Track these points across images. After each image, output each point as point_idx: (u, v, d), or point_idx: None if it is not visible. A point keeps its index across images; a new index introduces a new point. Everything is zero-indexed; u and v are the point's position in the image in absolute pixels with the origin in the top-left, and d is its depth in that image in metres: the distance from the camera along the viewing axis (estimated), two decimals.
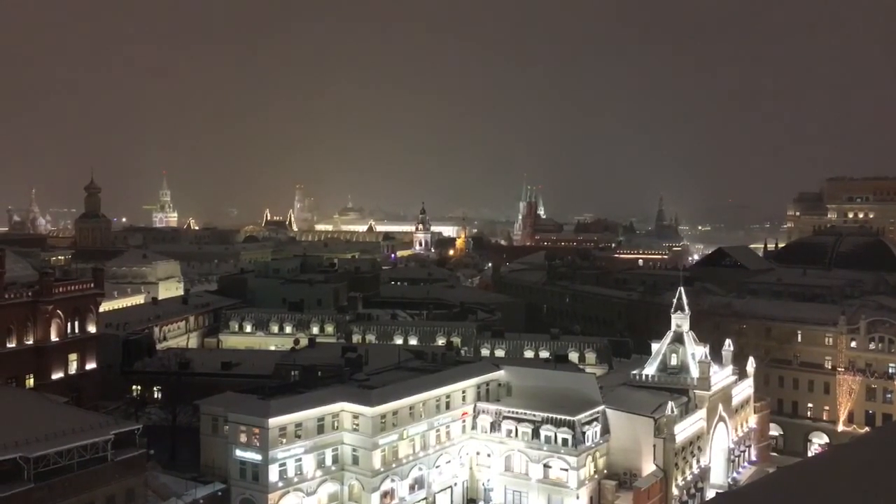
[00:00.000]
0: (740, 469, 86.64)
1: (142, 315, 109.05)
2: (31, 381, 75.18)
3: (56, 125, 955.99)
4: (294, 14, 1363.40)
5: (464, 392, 74.24)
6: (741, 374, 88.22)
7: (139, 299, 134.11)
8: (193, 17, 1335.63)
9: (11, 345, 73.84)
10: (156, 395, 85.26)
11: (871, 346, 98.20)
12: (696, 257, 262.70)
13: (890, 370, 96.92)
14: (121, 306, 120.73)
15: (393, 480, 67.58)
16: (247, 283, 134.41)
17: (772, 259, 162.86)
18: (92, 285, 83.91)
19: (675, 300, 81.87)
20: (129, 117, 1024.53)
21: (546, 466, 70.77)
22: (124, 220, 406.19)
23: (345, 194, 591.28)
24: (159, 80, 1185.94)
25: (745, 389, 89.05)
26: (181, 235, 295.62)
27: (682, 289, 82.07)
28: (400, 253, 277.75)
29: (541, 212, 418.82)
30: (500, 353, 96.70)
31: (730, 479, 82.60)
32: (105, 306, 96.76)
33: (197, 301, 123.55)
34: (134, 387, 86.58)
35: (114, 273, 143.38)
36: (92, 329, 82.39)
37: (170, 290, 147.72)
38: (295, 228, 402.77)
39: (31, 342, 75.66)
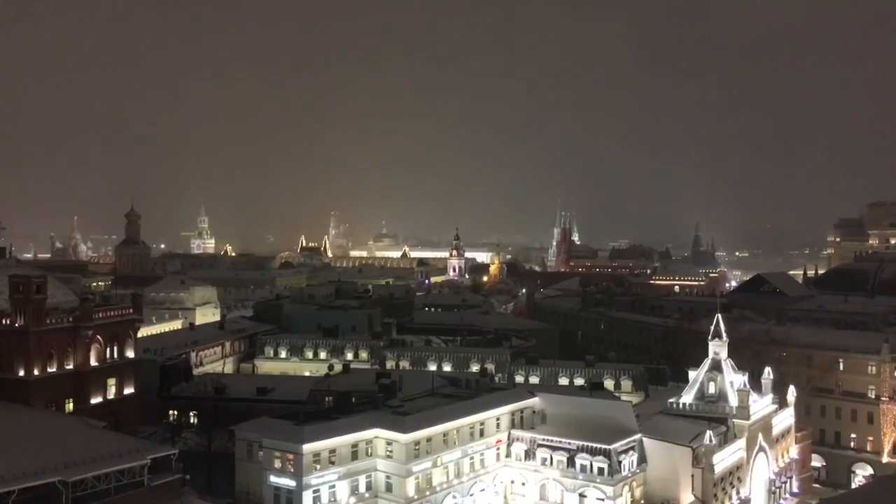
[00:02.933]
0: (782, 501, 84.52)
1: (179, 340, 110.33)
2: (70, 406, 76.31)
3: (98, 154, 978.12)
4: (327, 47, 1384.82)
5: (498, 419, 73.68)
6: (781, 403, 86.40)
7: (177, 325, 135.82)
8: (233, 49, 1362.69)
9: (52, 369, 75.11)
10: (192, 420, 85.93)
11: None
12: (733, 284, 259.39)
13: None
14: (159, 331, 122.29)
15: None
16: (282, 308, 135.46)
17: (812, 286, 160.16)
18: (131, 311, 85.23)
19: (712, 327, 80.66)
20: (168, 146, 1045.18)
21: (581, 496, 69.71)
22: (163, 246, 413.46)
23: (379, 221, 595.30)
24: (198, 109, 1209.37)
25: (785, 419, 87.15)
26: (218, 261, 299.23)
27: (719, 315, 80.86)
28: (434, 279, 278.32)
29: (575, 238, 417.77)
30: (534, 379, 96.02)
31: None
32: (143, 331, 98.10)
33: (233, 326, 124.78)
34: (171, 411, 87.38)
35: (152, 299, 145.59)
36: (130, 354, 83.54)
37: (207, 315, 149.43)
38: (330, 254, 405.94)
39: (71, 367, 76.89)
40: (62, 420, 70.89)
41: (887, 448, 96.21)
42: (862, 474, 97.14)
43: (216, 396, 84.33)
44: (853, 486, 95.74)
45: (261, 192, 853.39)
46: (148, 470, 56.74)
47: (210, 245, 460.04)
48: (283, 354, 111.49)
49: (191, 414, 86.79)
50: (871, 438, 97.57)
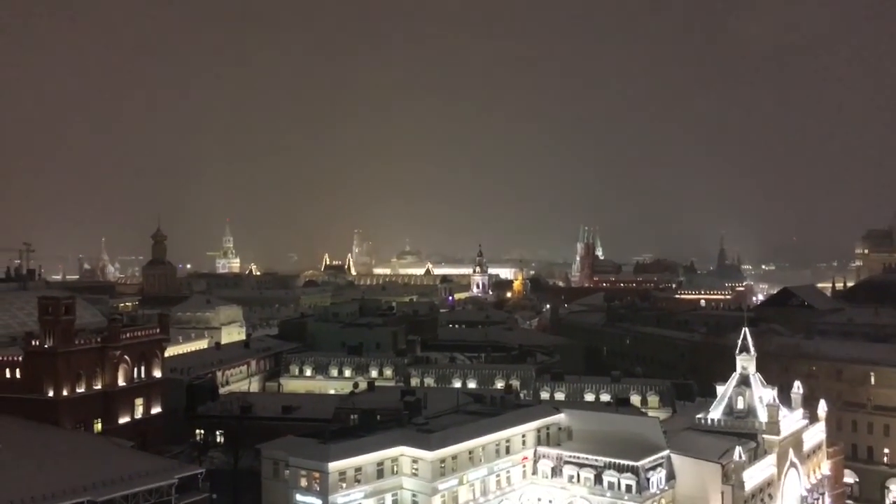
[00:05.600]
0: None
1: (205, 359, 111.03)
2: (98, 426, 76.92)
3: (125, 177, 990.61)
4: (349, 68, 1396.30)
5: (524, 436, 73.22)
6: (812, 418, 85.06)
7: (203, 344, 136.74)
8: (256, 70, 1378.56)
9: (80, 390, 75.83)
10: (218, 439, 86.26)
11: None
12: (760, 297, 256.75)
13: None
14: (185, 351, 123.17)
15: None
16: (307, 327, 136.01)
17: (841, 298, 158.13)
18: (158, 331, 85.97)
19: (739, 341, 79.77)
20: (193, 167, 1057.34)
21: None
22: (189, 266, 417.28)
23: (402, 238, 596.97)
24: (222, 131, 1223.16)
25: (816, 434, 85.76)
26: (243, 281, 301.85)
27: (746, 329, 79.96)
28: (457, 295, 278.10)
29: (599, 253, 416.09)
30: (559, 396, 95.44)
31: None
32: (170, 351, 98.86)
33: (258, 345, 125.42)
34: (197, 431, 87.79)
35: (178, 318, 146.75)
36: (157, 374, 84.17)
37: (232, 334, 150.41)
38: (353, 272, 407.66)
39: (99, 387, 77.59)
40: (91, 440, 71.47)
41: None
42: None
43: (242, 415, 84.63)
44: (887, 502, 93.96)
45: (284, 211, 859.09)
46: (175, 489, 56.97)
47: (235, 264, 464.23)
48: (308, 373, 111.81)
49: (217, 433, 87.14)
50: None
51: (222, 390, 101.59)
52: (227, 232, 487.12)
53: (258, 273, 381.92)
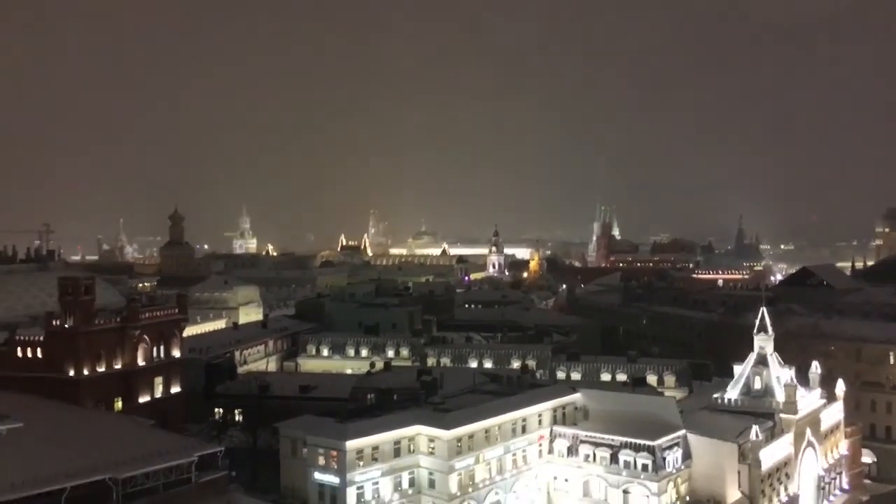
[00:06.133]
0: (832, 497, 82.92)
1: (223, 339, 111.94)
2: (119, 405, 77.98)
3: (143, 157, 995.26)
4: (368, 40, 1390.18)
5: (540, 416, 73.40)
6: (830, 398, 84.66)
7: (221, 324, 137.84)
8: (275, 51, 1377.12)
9: (101, 369, 76.79)
10: (237, 418, 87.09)
11: None
12: (778, 277, 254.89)
13: None
14: (203, 331, 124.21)
15: None
16: (323, 307, 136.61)
17: (860, 278, 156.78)
18: (176, 311, 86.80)
19: (757, 321, 79.35)
20: (211, 148, 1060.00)
21: (626, 492, 69.15)
22: (206, 247, 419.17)
23: (418, 218, 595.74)
24: (241, 112, 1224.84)
25: (834, 414, 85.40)
26: (260, 261, 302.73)
27: (764, 309, 79.53)
28: (474, 275, 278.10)
29: (615, 232, 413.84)
30: (575, 375, 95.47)
31: None
32: (188, 331, 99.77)
33: (275, 325, 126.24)
34: (216, 409, 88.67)
35: (196, 299, 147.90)
36: (176, 353, 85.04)
37: (250, 314, 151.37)
38: (370, 253, 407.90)
39: (119, 367, 78.54)
40: (111, 419, 72.41)
41: None
42: None
43: (260, 394, 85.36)
44: None
45: (301, 191, 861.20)
46: (195, 467, 57.62)
47: (252, 245, 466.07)
48: (325, 353, 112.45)
49: (235, 412, 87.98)
50: None
51: (240, 370, 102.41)
52: (243, 213, 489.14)
53: (275, 253, 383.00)
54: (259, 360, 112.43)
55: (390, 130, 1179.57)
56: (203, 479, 58.20)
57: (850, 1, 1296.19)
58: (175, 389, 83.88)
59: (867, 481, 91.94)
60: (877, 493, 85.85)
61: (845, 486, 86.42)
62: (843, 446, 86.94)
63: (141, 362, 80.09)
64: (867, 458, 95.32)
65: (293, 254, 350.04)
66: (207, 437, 73.91)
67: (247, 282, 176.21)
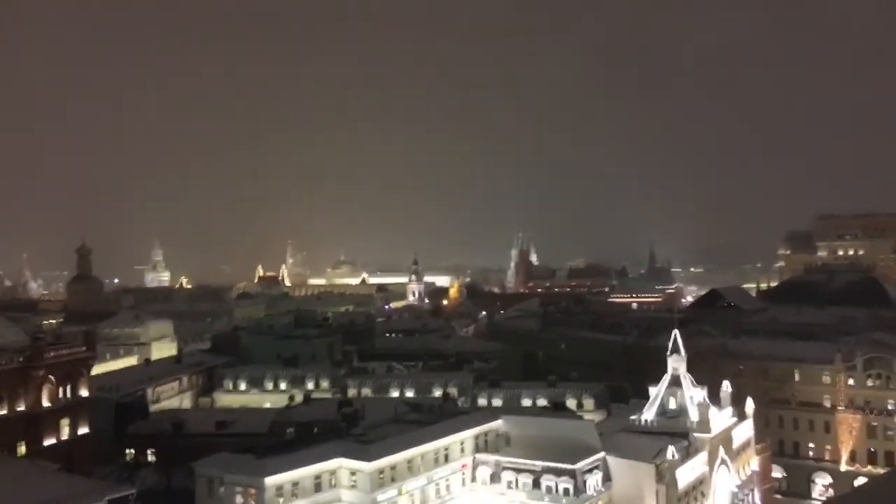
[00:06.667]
0: None
1: (134, 377, 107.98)
2: (22, 449, 74.02)
3: (46, 189, 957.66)
4: (280, 62, 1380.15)
5: (462, 443, 73.38)
6: (740, 416, 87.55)
7: (132, 360, 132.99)
8: (180, 76, 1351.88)
9: (2, 412, 72.93)
10: (150, 458, 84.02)
11: (869, 382, 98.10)
12: (689, 299, 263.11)
13: (889, 407, 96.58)
14: (113, 368, 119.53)
15: None
16: (240, 340, 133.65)
17: (765, 298, 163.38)
18: (84, 349, 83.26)
19: (670, 343, 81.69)
20: (120, 179, 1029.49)
21: None
22: (116, 281, 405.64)
23: (337, 248, 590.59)
24: (148, 141, 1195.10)
25: (745, 431, 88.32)
26: (174, 294, 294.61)
27: (676, 331, 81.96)
28: (394, 304, 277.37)
29: (533, 258, 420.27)
30: (497, 402, 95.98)
31: None
32: (97, 369, 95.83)
33: (190, 360, 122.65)
34: (127, 450, 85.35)
35: (106, 335, 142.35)
36: (84, 393, 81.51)
37: (163, 350, 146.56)
38: (288, 283, 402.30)
39: (22, 409, 74.71)
40: (14, 464, 68.54)
41: (845, 456, 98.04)
42: (822, 483, 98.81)
43: (174, 433, 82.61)
44: (813, 495, 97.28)
45: (215, 222, 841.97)
46: None
47: (165, 278, 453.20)
48: (242, 387, 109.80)
49: (148, 452, 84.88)
50: (828, 447, 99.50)
51: (153, 408, 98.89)
52: (156, 245, 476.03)
53: (189, 286, 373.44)
54: (173, 397, 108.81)
55: (305, 160, 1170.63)
56: None
57: (755, 27, 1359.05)
58: (83, 430, 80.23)
59: (777, 496, 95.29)
60: None
61: (757, 502, 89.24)
62: (754, 463, 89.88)
63: (46, 403, 76.37)
64: (777, 473, 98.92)
65: (208, 286, 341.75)
66: (118, 479, 70.99)
67: (159, 316, 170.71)
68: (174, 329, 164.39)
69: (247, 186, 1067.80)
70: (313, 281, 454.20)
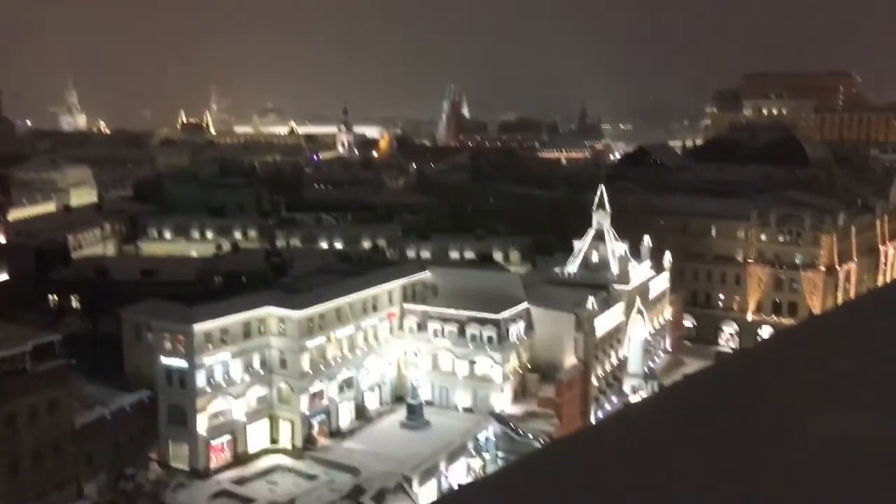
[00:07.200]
0: (655, 358, 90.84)
1: (54, 223, 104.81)
2: None
3: None
4: None
5: (390, 294, 74.83)
6: (658, 269, 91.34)
7: (50, 207, 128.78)
8: None
9: None
10: (74, 305, 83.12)
11: (781, 238, 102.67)
12: (617, 155, 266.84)
13: (797, 261, 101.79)
14: (31, 214, 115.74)
15: (322, 382, 68.41)
16: (164, 188, 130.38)
17: (690, 156, 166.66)
18: None
19: (596, 198, 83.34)
20: (31, 15, 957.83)
21: (472, 363, 72.67)
22: (29, 123, 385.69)
23: (263, 95, 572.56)
24: None
25: (661, 284, 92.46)
26: (91, 139, 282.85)
27: (602, 187, 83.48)
28: (323, 155, 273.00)
29: (465, 111, 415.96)
30: (425, 254, 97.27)
31: (645, 368, 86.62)
32: (13, 215, 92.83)
33: (112, 208, 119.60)
34: (50, 296, 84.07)
35: (20, 180, 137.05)
36: (1, 239, 79.10)
37: (82, 196, 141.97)
38: (213, 131, 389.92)
39: None
40: None
41: (752, 307, 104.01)
42: (728, 331, 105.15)
43: (99, 279, 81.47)
44: (719, 342, 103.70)
45: (135, 64, 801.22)
46: (31, 356, 54.97)
47: (81, 121, 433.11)
48: (167, 236, 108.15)
49: (72, 298, 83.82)
50: (737, 298, 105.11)
51: (75, 255, 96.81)
52: (70, 86, 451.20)
53: (107, 131, 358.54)
54: (95, 245, 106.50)
55: (229, 4, 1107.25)
56: (40, 368, 55.77)
57: None
58: (2, 277, 78.54)
59: (687, 343, 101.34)
60: (695, 353, 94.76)
61: (668, 348, 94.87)
62: (667, 313, 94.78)
63: None
64: (688, 322, 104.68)
65: (128, 131, 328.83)
66: (43, 325, 70.30)
67: (77, 161, 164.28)
68: (93, 175, 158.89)
69: (168, 27, 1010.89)
70: (239, 129, 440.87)
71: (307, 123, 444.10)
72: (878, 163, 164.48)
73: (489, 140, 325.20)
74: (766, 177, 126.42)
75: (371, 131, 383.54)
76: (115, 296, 73.62)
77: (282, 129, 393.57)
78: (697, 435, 2.82)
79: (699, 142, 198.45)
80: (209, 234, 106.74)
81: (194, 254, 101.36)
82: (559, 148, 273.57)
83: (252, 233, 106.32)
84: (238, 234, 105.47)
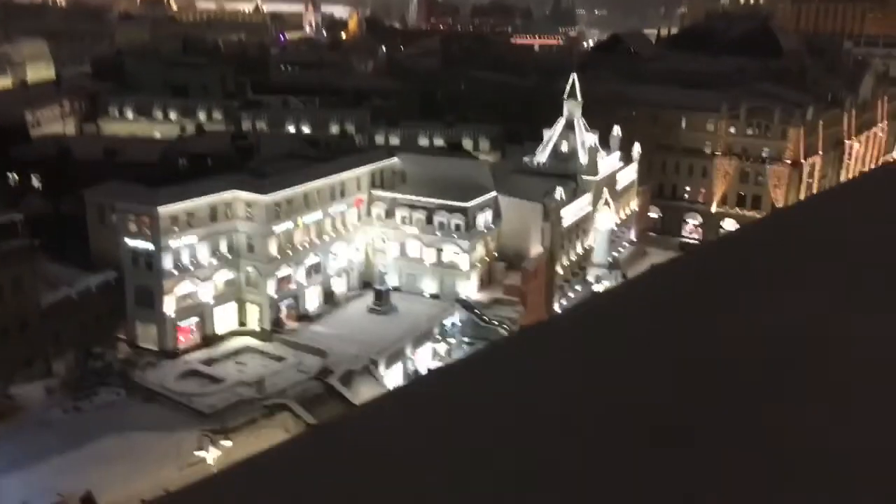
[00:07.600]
0: (620, 248, 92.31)
1: (10, 99, 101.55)
2: None
3: None
4: None
5: (358, 180, 74.35)
6: (627, 160, 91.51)
7: (6, 82, 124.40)
8: None
9: None
10: (35, 185, 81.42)
11: (749, 131, 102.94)
12: (591, 43, 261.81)
13: (763, 154, 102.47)
14: None
15: (290, 266, 68.72)
16: (125, 65, 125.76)
17: (665, 45, 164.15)
18: None
19: (567, 87, 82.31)
20: None
21: (439, 251, 73.28)
22: None
23: None
24: None
25: (629, 175, 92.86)
26: (46, 12, 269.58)
27: (574, 75, 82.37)
28: (290, 35, 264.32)
29: None
30: (394, 140, 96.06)
31: (609, 259, 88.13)
32: None
33: (71, 85, 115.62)
34: (10, 174, 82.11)
35: None
36: None
37: (39, 72, 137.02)
38: (174, 6, 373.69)
39: None
40: None
41: (717, 199, 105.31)
42: (692, 223, 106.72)
43: (61, 158, 79.54)
44: (683, 233, 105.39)
45: None
46: None
47: None
48: (129, 115, 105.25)
49: (33, 177, 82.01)
50: (703, 190, 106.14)
51: (34, 132, 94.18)
52: None
53: (63, 3, 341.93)
54: (55, 122, 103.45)
55: None
56: (4, 247, 55.20)
57: None
58: None
59: (651, 234, 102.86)
60: (659, 243, 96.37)
61: (633, 239, 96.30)
62: (634, 204, 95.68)
63: None
64: (654, 213, 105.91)
65: (85, 4, 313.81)
66: (3, 204, 69.07)
67: (32, 34, 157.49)
68: (49, 50, 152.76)
69: None
70: (202, 5, 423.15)
71: (272, 1, 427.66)
72: (851, 56, 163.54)
73: (461, 24, 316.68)
74: (739, 68, 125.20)
75: (339, 11, 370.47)
76: (78, 175, 72.20)
77: (246, 7, 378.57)
78: (661, 324, 2.86)
79: (675, 30, 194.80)
80: (172, 115, 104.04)
81: (157, 135, 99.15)
82: (532, 34, 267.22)
83: (217, 115, 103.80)
84: (202, 116, 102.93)
